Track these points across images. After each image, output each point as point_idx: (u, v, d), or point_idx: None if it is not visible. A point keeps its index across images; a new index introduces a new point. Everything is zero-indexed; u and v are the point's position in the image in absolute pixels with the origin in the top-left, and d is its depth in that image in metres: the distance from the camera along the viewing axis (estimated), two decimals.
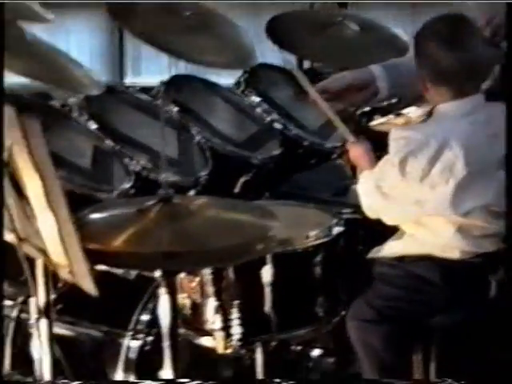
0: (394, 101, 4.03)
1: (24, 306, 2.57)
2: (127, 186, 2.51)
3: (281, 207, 2.73)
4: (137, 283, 2.61)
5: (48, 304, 1.88)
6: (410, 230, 2.37)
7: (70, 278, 1.66)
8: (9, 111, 1.63)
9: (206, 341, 2.44)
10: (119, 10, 3.19)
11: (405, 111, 4.44)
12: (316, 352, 2.67)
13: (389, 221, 2.36)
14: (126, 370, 2.52)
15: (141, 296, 2.60)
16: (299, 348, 2.64)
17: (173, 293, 2.03)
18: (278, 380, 2.20)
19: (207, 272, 2.37)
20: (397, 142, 2.32)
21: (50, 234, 1.65)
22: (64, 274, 1.68)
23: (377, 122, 4.33)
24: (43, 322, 1.89)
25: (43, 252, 1.74)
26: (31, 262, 1.83)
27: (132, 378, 2.52)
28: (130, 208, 2.01)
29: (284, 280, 2.36)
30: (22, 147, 1.57)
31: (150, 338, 2.55)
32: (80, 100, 2.66)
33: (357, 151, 2.47)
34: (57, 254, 1.66)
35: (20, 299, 2.63)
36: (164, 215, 1.96)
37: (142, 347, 2.55)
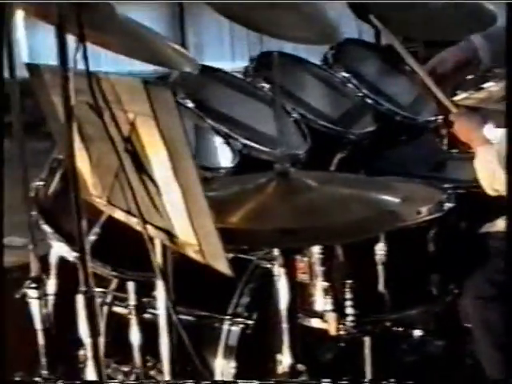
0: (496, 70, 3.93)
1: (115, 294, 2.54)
2: (232, 164, 2.42)
3: (390, 182, 2.65)
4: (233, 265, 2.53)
5: (168, 288, 1.82)
6: None
7: (199, 258, 1.58)
8: (130, 82, 1.55)
9: (315, 322, 2.35)
10: None
11: (485, 85, 4.31)
12: (417, 333, 2.58)
13: None
14: (227, 356, 2.43)
15: (238, 278, 2.52)
16: (401, 329, 2.55)
17: (290, 272, 1.94)
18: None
19: (316, 251, 2.29)
20: None
21: (176, 211, 1.57)
22: (192, 253, 1.60)
23: (460, 97, 4.23)
24: (162, 308, 1.84)
25: (167, 232, 1.67)
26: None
27: (233, 364, 2.43)
28: (245, 185, 1.94)
29: (397, 258, 2.27)
30: (149, 120, 1.49)
31: (251, 322, 2.46)
32: (175, 78, 2.59)
33: (466, 123, 2.37)
34: (185, 232, 1.58)
35: (113, 286, 2.58)
36: (282, 190, 1.88)
37: (243, 332, 2.45)
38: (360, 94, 3.17)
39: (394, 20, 3.56)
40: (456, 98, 4.28)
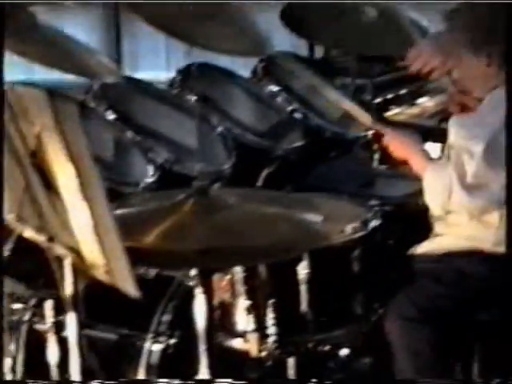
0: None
1: (37, 310, 2.44)
2: (152, 179, 2.35)
3: (314, 199, 2.60)
4: (156, 282, 2.46)
5: (76, 304, 1.74)
6: (460, 225, 2.24)
7: (107, 279, 1.50)
8: (36, 94, 1.47)
9: (236, 343, 2.29)
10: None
11: (419, 101, 4.33)
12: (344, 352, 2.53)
13: (470, 213, 2.23)
14: (148, 375, 2.36)
15: (161, 296, 2.45)
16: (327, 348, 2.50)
17: (209, 292, 1.87)
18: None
19: (239, 270, 2.22)
20: (468, 129, 2.21)
21: (84, 229, 1.49)
22: (99, 274, 1.52)
23: (392, 112, 4.23)
24: (72, 324, 1.76)
25: (74, 251, 1.58)
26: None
27: None
28: (162, 202, 1.87)
29: (321, 277, 2.22)
30: (54, 134, 1.41)
31: (173, 341, 2.38)
32: (97, 88, 2.50)
33: (402, 140, 2.35)
34: (92, 252, 1.50)
35: (32, 302, 2.48)
36: (200, 208, 1.81)
37: (164, 350, 2.38)
38: (289, 109, 3.11)
39: (324, 33, 3.55)
40: (389, 114, 4.30)
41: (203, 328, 1.88)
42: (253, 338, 2.22)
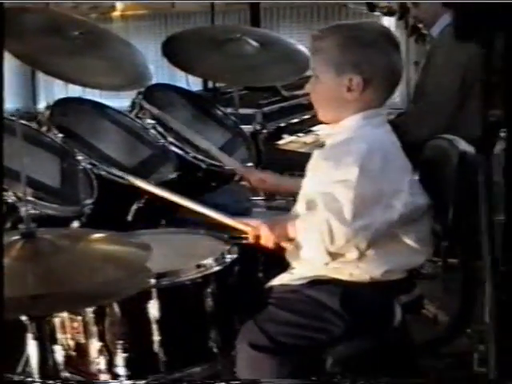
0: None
1: None
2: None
3: (171, 236, 2.58)
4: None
5: None
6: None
7: None
8: None
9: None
10: None
11: (314, 129, 4.36)
12: None
13: (358, 246, 2.15)
14: None
15: None
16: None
17: (42, 338, 1.84)
18: None
19: (89, 310, 2.19)
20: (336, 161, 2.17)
21: None
22: None
23: (285, 140, 4.25)
24: None
25: None
26: None
27: None
28: None
29: (173, 315, 2.19)
30: None
31: None
32: None
33: (265, 234, 2.26)
34: None
35: None
36: (27, 253, 1.78)
37: None
38: (162, 141, 3.10)
39: (206, 65, 3.55)
40: (281, 142, 4.31)
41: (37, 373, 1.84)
42: (105, 379, 2.18)
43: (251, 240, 2.29)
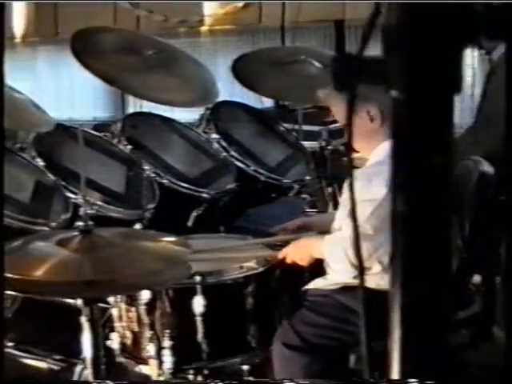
0: None
1: None
2: (65, 217, 2.59)
3: (222, 240, 2.83)
4: None
5: None
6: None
7: None
8: None
9: (144, 369, 2.52)
10: (82, 52, 3.29)
11: None
12: None
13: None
14: None
15: None
16: None
17: (94, 321, 2.11)
18: None
19: (142, 302, 2.46)
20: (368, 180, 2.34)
21: None
22: None
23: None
24: None
25: None
26: None
27: None
28: (53, 240, 2.12)
29: (216, 310, 2.44)
30: None
31: None
32: (31, 138, 2.77)
33: (297, 252, 2.53)
34: None
35: None
36: (84, 246, 2.06)
37: None
38: (224, 154, 3.36)
39: (271, 85, 3.79)
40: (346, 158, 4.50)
41: (90, 353, 2.12)
42: (153, 363, 2.44)
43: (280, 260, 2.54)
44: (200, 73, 3.60)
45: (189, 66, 3.57)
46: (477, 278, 4.63)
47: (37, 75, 7.95)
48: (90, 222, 2.08)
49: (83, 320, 2.11)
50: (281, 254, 2.54)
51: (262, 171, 3.39)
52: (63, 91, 7.26)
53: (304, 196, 3.53)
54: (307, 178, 3.57)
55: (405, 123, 0.85)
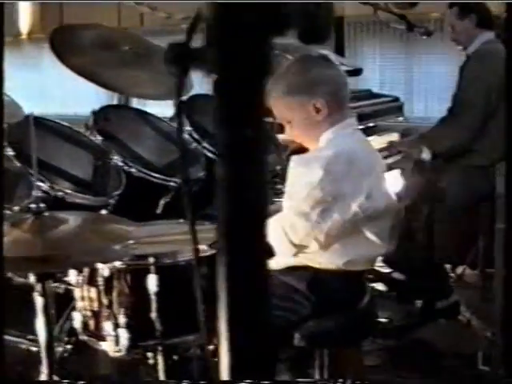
0: None
1: None
2: (28, 201, 2.74)
3: (183, 225, 2.97)
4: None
5: None
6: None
7: None
8: None
9: (103, 345, 2.67)
10: (61, 48, 3.45)
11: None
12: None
13: (317, 239, 2.50)
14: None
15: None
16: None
17: (45, 296, 2.27)
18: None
19: (101, 281, 2.61)
20: (307, 164, 2.53)
21: None
22: None
23: None
24: None
25: None
26: None
27: None
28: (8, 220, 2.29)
29: (170, 290, 2.58)
30: None
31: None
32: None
33: None
34: None
35: None
36: (36, 226, 2.22)
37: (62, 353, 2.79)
38: (194, 145, 3.51)
39: None
40: None
41: (43, 330, 2.28)
42: (110, 340, 2.60)
43: None
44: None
45: (162, 59, 3.70)
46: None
47: (42, 72, 8.11)
48: (42, 205, 2.24)
49: (36, 296, 2.27)
50: None
51: None
52: (69, 87, 7.42)
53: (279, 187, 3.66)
54: (278, 167, 3.70)
55: (223, 101, 0.99)
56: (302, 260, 2.58)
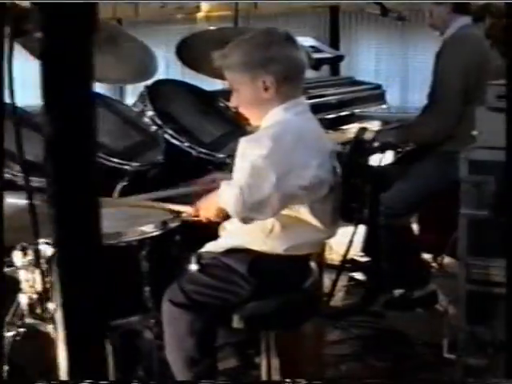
0: None
1: None
2: None
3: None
4: None
5: None
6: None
7: None
8: None
9: (49, 328, 2.65)
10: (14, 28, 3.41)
11: (343, 127, 4.63)
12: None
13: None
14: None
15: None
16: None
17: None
18: None
19: (44, 264, 2.59)
20: (255, 142, 2.49)
21: None
22: None
23: None
24: None
25: None
26: None
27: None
28: None
29: (114, 271, 2.56)
30: None
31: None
32: None
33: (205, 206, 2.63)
34: None
35: None
36: None
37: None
38: (154, 128, 3.48)
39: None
40: None
41: None
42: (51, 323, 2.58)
43: (193, 214, 2.66)
44: (137, 51, 3.72)
45: (126, 45, 3.68)
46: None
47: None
48: None
49: None
50: (194, 210, 2.65)
51: (195, 147, 3.50)
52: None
53: None
54: None
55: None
56: (243, 243, 2.55)
